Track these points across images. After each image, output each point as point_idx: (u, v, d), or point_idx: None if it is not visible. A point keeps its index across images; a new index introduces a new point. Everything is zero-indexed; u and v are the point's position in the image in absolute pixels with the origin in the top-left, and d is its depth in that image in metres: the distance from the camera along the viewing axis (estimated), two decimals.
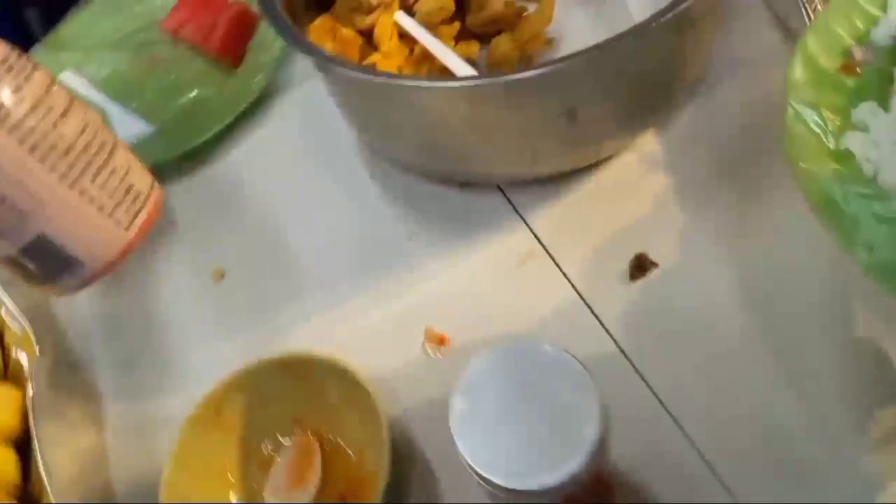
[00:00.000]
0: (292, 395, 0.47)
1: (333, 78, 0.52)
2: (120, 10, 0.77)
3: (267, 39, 0.68)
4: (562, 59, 0.44)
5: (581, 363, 0.34)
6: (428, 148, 0.52)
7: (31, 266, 0.36)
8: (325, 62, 0.47)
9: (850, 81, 0.40)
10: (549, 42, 0.60)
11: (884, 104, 0.38)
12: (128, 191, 0.41)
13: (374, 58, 0.56)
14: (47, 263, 0.33)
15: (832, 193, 0.36)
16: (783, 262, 0.47)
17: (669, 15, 0.43)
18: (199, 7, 0.71)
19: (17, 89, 0.31)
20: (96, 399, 0.54)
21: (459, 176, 0.55)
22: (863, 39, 0.41)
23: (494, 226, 0.54)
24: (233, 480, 0.46)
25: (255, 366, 0.46)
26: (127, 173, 0.40)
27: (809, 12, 0.54)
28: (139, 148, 0.64)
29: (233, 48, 0.69)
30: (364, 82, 0.47)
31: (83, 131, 0.34)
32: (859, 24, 0.41)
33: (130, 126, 0.67)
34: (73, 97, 0.35)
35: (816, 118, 0.39)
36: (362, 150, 0.61)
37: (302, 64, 0.68)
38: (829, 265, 0.46)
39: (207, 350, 0.55)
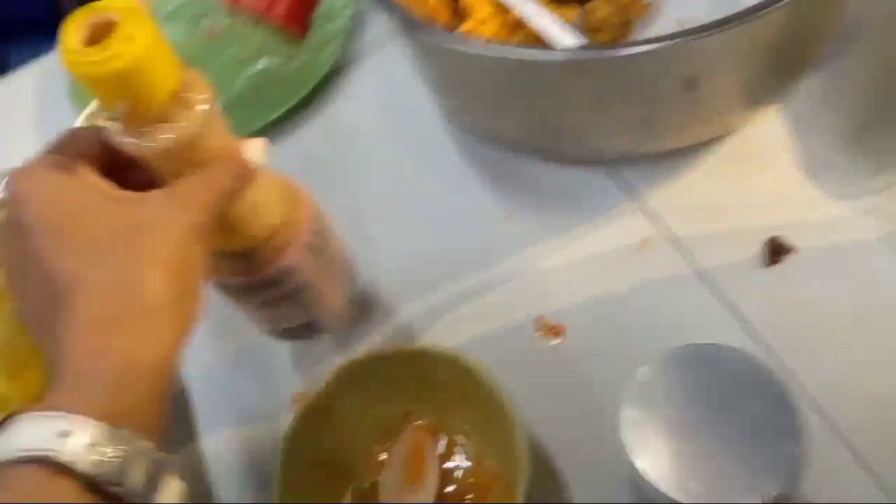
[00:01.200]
0: (404, 389, 0.44)
1: (432, 51, 0.47)
2: None
3: (334, 8, 0.64)
4: (695, 31, 0.39)
5: (769, 368, 0.30)
6: (534, 123, 0.48)
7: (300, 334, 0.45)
8: (433, 35, 0.42)
9: None
10: (648, 6, 0.56)
11: None
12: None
13: (467, 25, 0.51)
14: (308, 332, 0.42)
15: None
16: None
17: None
18: None
19: (322, 228, 0.40)
20: None
21: (565, 153, 0.51)
22: None
23: (604, 206, 0.50)
24: (347, 473, 0.43)
25: (366, 357, 0.43)
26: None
27: None
28: None
29: (298, 18, 0.64)
30: (470, 55, 0.43)
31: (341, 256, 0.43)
32: None
33: None
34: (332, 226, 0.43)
35: None
36: (447, 125, 0.57)
37: (374, 33, 0.63)
38: None
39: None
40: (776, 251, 0.45)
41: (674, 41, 0.40)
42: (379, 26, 0.63)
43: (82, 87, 0.28)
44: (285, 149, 0.60)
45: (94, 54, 0.26)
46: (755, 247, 0.46)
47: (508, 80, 0.45)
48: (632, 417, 0.30)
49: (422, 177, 0.56)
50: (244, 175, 0.33)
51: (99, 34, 0.27)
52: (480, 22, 0.51)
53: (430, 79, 0.52)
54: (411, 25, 0.43)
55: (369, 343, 0.49)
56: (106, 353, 0.27)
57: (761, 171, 0.49)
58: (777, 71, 0.47)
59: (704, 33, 0.40)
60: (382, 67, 0.62)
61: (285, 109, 0.59)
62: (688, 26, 0.54)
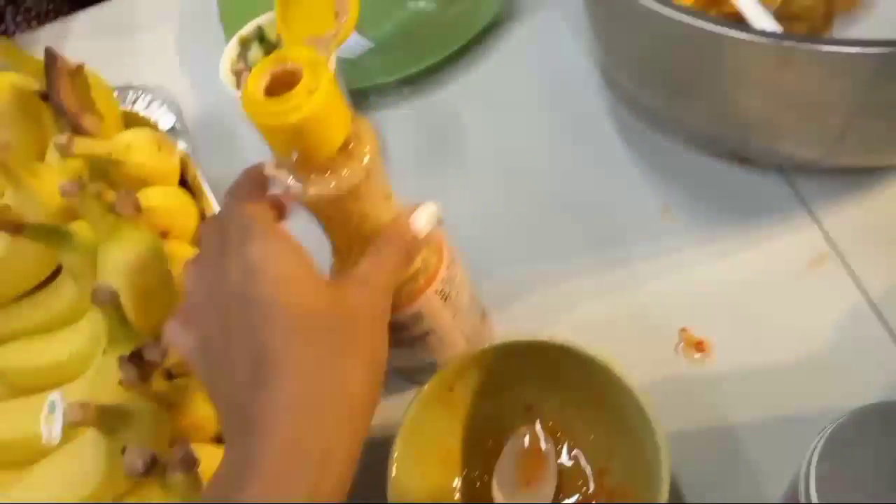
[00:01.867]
0: (529, 382, 0.41)
1: (622, 9, 0.43)
2: None
3: None
4: None
5: None
6: (718, 112, 0.43)
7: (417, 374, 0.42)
8: None
9: None
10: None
11: None
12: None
13: None
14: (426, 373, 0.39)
15: None
16: None
17: None
18: None
19: (454, 275, 0.38)
20: None
21: (743, 151, 0.47)
22: None
23: (775, 215, 0.46)
24: (457, 462, 0.41)
25: (494, 346, 0.40)
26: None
27: None
28: (353, 64, 0.59)
29: None
30: (668, 20, 0.38)
31: (468, 291, 0.41)
32: None
33: None
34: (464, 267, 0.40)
35: None
36: (608, 101, 0.53)
37: None
38: None
39: None
40: None
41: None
42: None
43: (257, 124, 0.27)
44: (434, 101, 0.57)
45: (276, 105, 0.27)
46: None
47: (702, 57, 0.41)
48: (823, 475, 0.27)
49: (573, 154, 0.52)
50: (413, 251, 0.33)
51: (281, 83, 0.28)
52: None
53: (606, 44, 0.48)
54: None
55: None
56: (309, 439, 0.27)
57: None
58: None
59: None
60: (546, 27, 0.58)
61: (436, 59, 0.56)
62: None
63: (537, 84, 0.56)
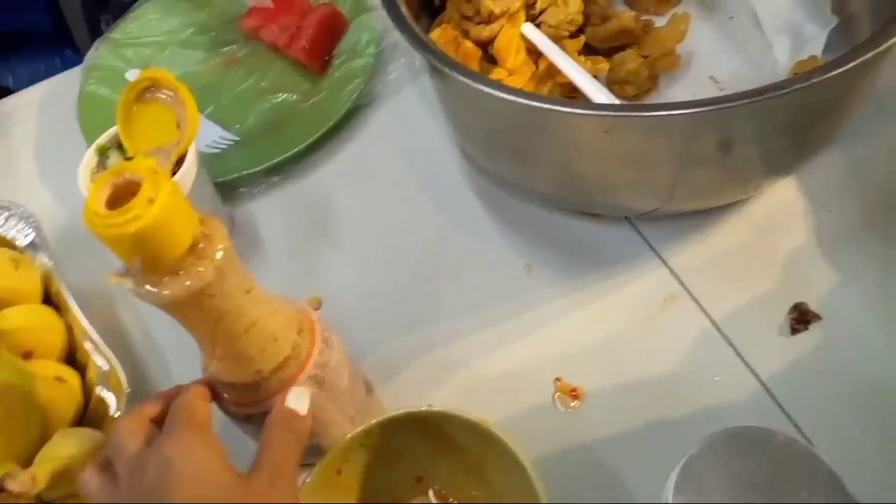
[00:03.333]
0: (415, 453, 0.42)
1: (462, 95, 0.46)
2: (191, 4, 0.71)
3: (359, 45, 0.63)
4: (736, 97, 0.38)
5: (824, 458, 0.29)
6: (560, 176, 0.47)
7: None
8: (467, 79, 0.41)
9: None
10: (678, 59, 0.55)
11: None
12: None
13: (498, 74, 0.51)
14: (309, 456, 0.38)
15: None
16: None
17: (869, 55, 0.37)
18: (283, 7, 0.65)
19: (328, 359, 0.38)
20: None
21: (590, 207, 0.50)
22: None
23: (628, 262, 0.49)
24: None
25: (376, 423, 0.41)
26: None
27: None
28: (219, 158, 0.60)
29: (320, 53, 0.63)
30: (502, 102, 0.42)
31: (348, 371, 0.41)
32: None
33: (208, 132, 0.61)
34: (343, 347, 0.41)
35: None
36: (468, 170, 0.56)
37: (397, 73, 0.62)
38: None
39: None
40: (801, 319, 0.44)
41: (714, 107, 0.39)
42: (402, 66, 0.62)
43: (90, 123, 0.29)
44: (303, 187, 0.59)
45: (116, 217, 0.28)
46: (780, 313, 0.45)
47: (539, 131, 0.44)
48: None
49: (439, 223, 0.54)
50: (300, 429, 0.35)
51: (124, 192, 0.29)
52: (510, 71, 0.51)
53: (455, 123, 0.51)
54: (444, 66, 0.42)
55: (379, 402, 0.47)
56: None
57: (780, 238, 0.48)
58: (803, 140, 0.46)
59: (746, 100, 0.38)
60: (403, 109, 0.61)
61: (302, 147, 0.58)
62: (719, 83, 0.55)
63: (401, 162, 0.58)
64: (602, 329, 0.47)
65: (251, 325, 0.34)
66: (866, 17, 0.51)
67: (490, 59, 0.54)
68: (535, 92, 0.49)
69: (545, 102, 0.39)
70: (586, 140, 0.42)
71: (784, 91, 0.38)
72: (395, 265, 0.53)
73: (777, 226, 0.49)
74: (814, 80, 0.37)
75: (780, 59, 0.54)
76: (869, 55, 0.37)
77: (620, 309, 0.48)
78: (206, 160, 0.55)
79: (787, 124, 0.43)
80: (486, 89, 0.39)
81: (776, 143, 0.45)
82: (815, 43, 0.54)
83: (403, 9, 0.46)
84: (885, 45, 0.38)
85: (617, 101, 0.50)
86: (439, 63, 0.41)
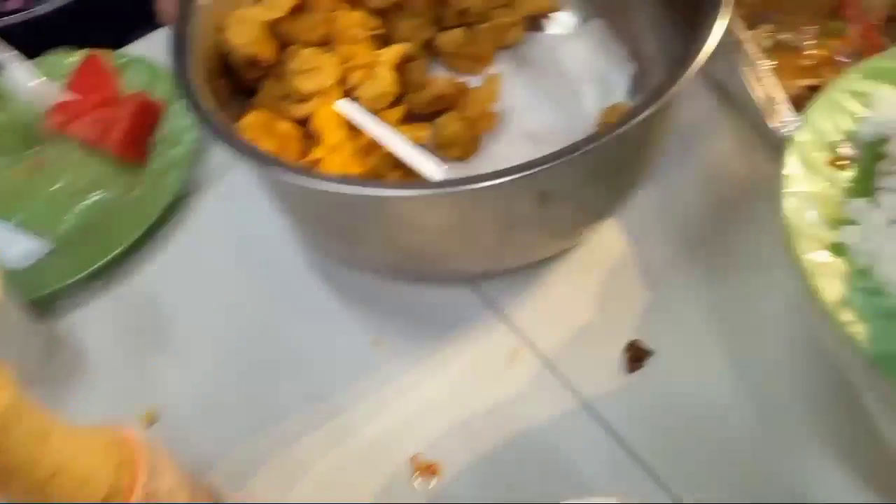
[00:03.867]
0: None
1: (280, 185, 0.45)
2: None
3: (174, 132, 0.61)
4: (552, 157, 0.39)
5: None
6: (392, 251, 0.47)
7: None
8: (278, 171, 0.40)
9: (840, 175, 0.40)
10: (496, 118, 0.57)
11: (873, 199, 0.39)
12: None
13: (319, 152, 0.50)
14: None
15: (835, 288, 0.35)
16: (767, 334, 0.46)
17: (656, 105, 0.40)
18: (91, 100, 0.62)
19: (156, 488, 0.36)
20: None
21: (427, 276, 0.50)
22: (850, 136, 0.41)
23: (470, 324, 0.49)
24: None
25: None
26: None
27: (749, 77, 0.53)
28: (31, 272, 0.55)
29: (135, 144, 0.60)
30: (327, 192, 0.41)
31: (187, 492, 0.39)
32: (845, 122, 0.42)
33: (16, 246, 0.56)
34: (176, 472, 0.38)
35: (812, 211, 0.39)
36: (306, 250, 0.55)
37: (222, 156, 0.60)
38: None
39: None
40: (635, 356, 0.46)
41: (533, 170, 0.39)
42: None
43: None
44: (129, 290, 0.55)
45: None
46: (615, 352, 0.46)
47: (361, 212, 0.44)
48: None
49: (279, 309, 0.52)
50: None
51: None
52: (331, 149, 0.50)
53: (279, 208, 0.50)
54: (254, 160, 0.41)
55: None
56: None
57: (610, 279, 0.50)
58: (618, 184, 0.48)
59: (563, 158, 0.39)
60: (231, 193, 0.59)
61: (125, 246, 0.55)
62: (536, 138, 0.57)
63: (233, 249, 0.56)
64: (453, 396, 0.47)
65: (53, 475, 0.30)
66: (659, 60, 0.55)
67: (312, 136, 0.53)
68: (347, 175, 0.48)
69: (357, 185, 0.38)
70: (406, 216, 0.42)
71: (594, 144, 0.39)
72: (236, 362, 0.50)
73: (605, 267, 0.51)
74: (617, 132, 0.39)
75: (589, 107, 0.57)
76: (665, 98, 0.40)
77: (469, 372, 0.47)
78: (14, 278, 0.50)
79: (602, 172, 0.46)
80: (293, 179, 0.39)
81: (594, 191, 0.47)
82: (619, 89, 0.57)
83: (204, 98, 0.45)
84: (676, 88, 0.40)
85: (442, 166, 0.51)
86: (244, 156, 0.40)
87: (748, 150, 0.54)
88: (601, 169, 0.45)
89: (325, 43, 0.54)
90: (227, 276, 0.54)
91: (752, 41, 0.58)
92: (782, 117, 0.49)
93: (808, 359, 0.45)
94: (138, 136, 0.61)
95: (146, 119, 0.61)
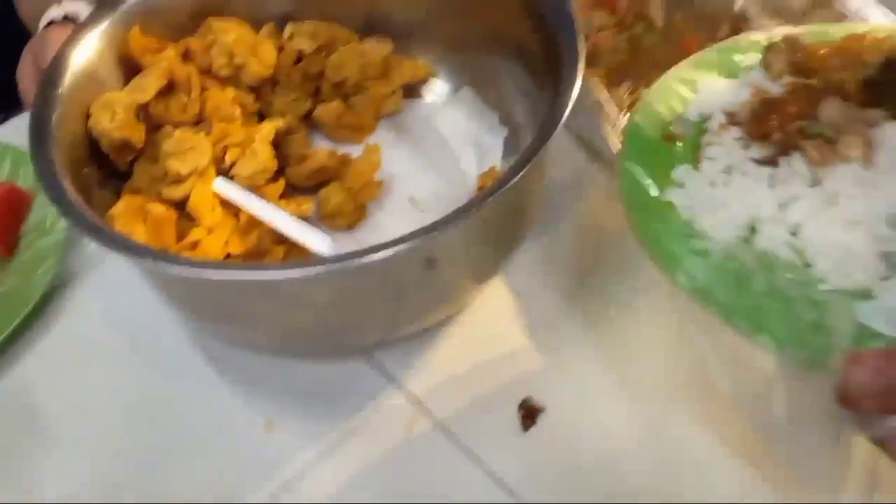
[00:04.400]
0: None
1: (158, 275, 0.44)
2: None
3: (46, 220, 0.58)
4: (439, 224, 0.40)
5: None
6: (281, 330, 0.46)
7: None
8: (151, 262, 0.39)
9: (670, 148, 0.47)
10: (380, 187, 0.58)
11: (696, 166, 0.46)
12: None
13: (197, 234, 0.49)
14: None
15: (659, 234, 0.42)
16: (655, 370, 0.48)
17: (524, 170, 0.42)
18: None
19: None
20: None
21: (317, 351, 0.50)
22: (679, 117, 0.49)
23: (366, 396, 0.49)
24: None
25: None
26: None
27: (609, 137, 0.56)
28: None
29: (3, 236, 0.57)
30: (202, 281, 0.40)
31: None
32: (676, 104, 0.49)
33: None
34: None
35: (645, 177, 0.45)
36: (193, 332, 0.53)
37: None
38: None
39: None
40: (528, 414, 0.46)
41: (418, 239, 0.40)
42: None
43: None
44: (1, 391, 0.51)
45: None
46: (510, 412, 0.47)
47: (239, 296, 0.43)
48: None
49: (166, 397, 0.50)
50: None
51: None
52: (209, 230, 0.49)
53: (161, 294, 0.48)
54: (120, 250, 0.39)
55: None
56: None
57: (498, 338, 0.51)
58: (501, 243, 0.50)
59: (448, 225, 0.40)
60: (109, 280, 0.57)
61: None
62: (419, 204, 0.58)
63: (115, 337, 0.54)
64: (355, 475, 0.46)
65: None
66: (529, 124, 0.57)
67: (190, 217, 0.52)
68: (217, 260, 0.47)
69: (229, 270, 0.38)
70: (287, 295, 0.41)
71: (472, 212, 0.41)
72: (123, 454, 0.48)
73: (494, 326, 0.52)
74: (490, 200, 0.41)
75: (469, 172, 0.58)
76: (531, 163, 0.42)
77: (368, 447, 0.47)
78: None
79: (484, 235, 0.47)
80: (163, 268, 0.38)
81: (478, 253, 0.48)
82: (495, 152, 0.59)
83: (69, 187, 0.43)
84: (540, 155, 0.43)
85: (327, 239, 0.51)
86: (109, 247, 0.39)
87: (616, 202, 0.57)
88: (483, 232, 0.46)
89: (198, 122, 0.54)
90: (109, 365, 0.52)
91: (611, 100, 0.62)
92: None
93: (701, 384, 0.46)
94: (6, 227, 0.58)
95: (13, 209, 0.58)
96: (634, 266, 0.53)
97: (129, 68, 0.53)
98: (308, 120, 0.61)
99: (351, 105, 0.60)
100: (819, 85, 0.46)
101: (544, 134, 0.44)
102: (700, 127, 0.48)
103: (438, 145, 0.61)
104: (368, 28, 0.62)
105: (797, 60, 0.49)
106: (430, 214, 0.57)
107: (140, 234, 0.47)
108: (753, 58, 0.51)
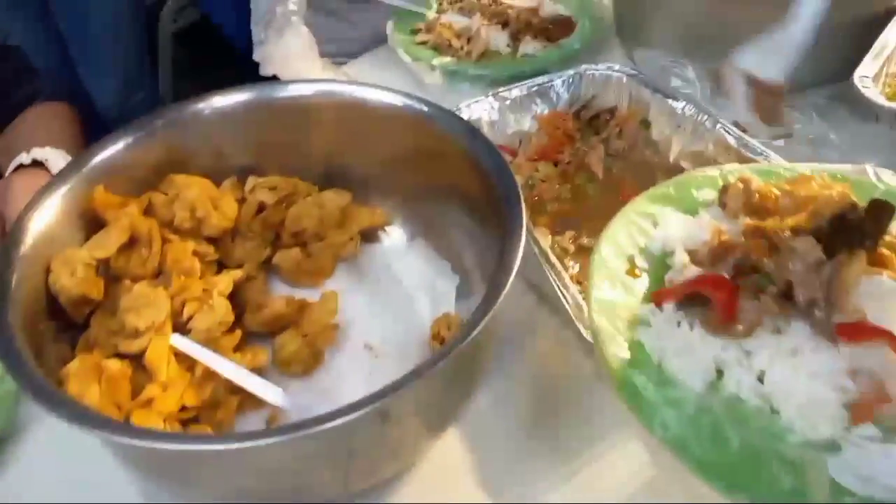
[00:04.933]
0: None
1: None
2: None
3: None
4: (391, 389, 0.41)
5: None
6: (231, 493, 0.46)
7: None
8: (95, 428, 0.39)
9: (635, 283, 0.48)
10: (335, 331, 0.59)
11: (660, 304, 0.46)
12: None
13: (151, 391, 0.49)
14: None
15: (633, 381, 0.43)
16: None
17: (481, 325, 0.44)
18: None
19: None
20: None
21: None
22: (642, 250, 0.50)
23: None
24: None
25: None
26: None
27: (560, 282, 0.59)
28: None
29: None
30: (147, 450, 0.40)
31: None
32: (639, 238, 0.51)
33: None
34: None
35: (614, 316, 0.46)
36: (142, 491, 0.52)
37: None
38: None
39: None
40: None
41: (371, 406, 0.41)
42: None
43: None
44: None
45: None
46: None
47: (193, 462, 0.43)
48: None
49: None
50: None
51: None
52: (164, 386, 0.50)
53: (112, 454, 0.48)
54: (66, 417, 0.40)
55: None
56: None
57: (456, 491, 0.51)
58: (454, 395, 0.51)
59: (403, 387, 0.41)
60: (59, 434, 0.56)
61: None
62: (375, 349, 0.59)
63: (65, 491, 0.52)
64: None
65: None
66: (479, 272, 0.60)
67: (146, 370, 0.53)
68: (165, 432, 0.48)
69: (168, 443, 0.39)
70: (237, 463, 0.42)
71: (429, 370, 0.42)
72: None
73: (450, 480, 0.52)
74: (440, 365, 0.43)
75: (423, 317, 0.60)
76: (487, 318, 0.44)
77: None
78: None
79: (438, 390, 0.48)
80: (107, 437, 0.38)
81: (432, 407, 0.49)
82: (448, 298, 0.61)
83: (21, 345, 0.44)
84: (492, 313, 0.45)
85: (279, 391, 0.52)
86: (56, 413, 0.39)
87: (564, 345, 0.59)
88: (438, 387, 0.48)
89: (158, 275, 0.55)
90: None
91: (556, 247, 0.65)
92: (585, 317, 0.55)
93: None
94: None
95: None
96: (592, 413, 0.54)
97: (92, 223, 0.55)
98: (268, 264, 0.63)
99: (310, 252, 0.63)
100: (773, 228, 0.48)
101: (496, 291, 0.46)
102: (662, 261, 0.50)
103: (394, 290, 0.63)
104: (328, 179, 0.65)
105: (751, 203, 0.51)
106: (384, 360, 0.58)
107: (94, 393, 0.47)
108: (709, 193, 0.53)
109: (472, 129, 0.58)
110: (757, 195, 0.51)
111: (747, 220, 0.50)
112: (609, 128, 0.77)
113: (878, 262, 0.46)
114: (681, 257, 0.49)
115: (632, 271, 0.49)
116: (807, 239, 0.45)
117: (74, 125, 0.80)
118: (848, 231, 0.45)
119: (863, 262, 0.44)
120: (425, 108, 0.59)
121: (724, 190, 0.52)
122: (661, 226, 0.52)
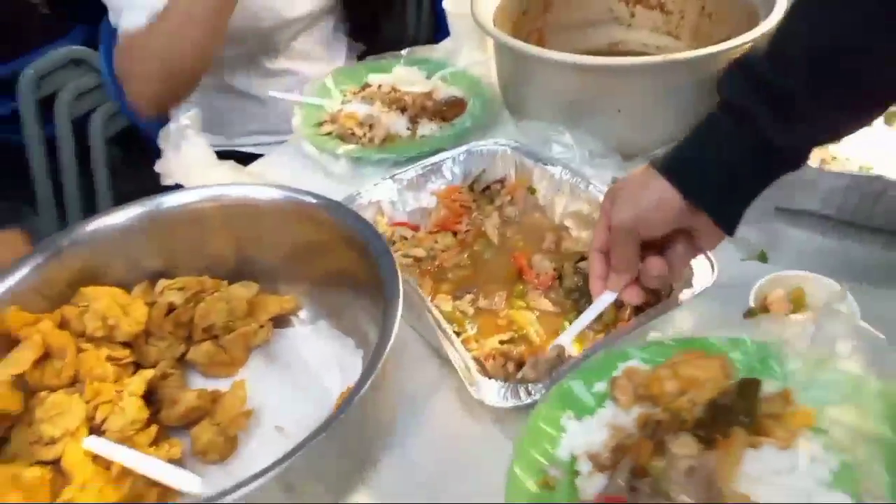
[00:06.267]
0: None
1: None
2: None
3: None
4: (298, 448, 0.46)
5: None
6: None
7: None
8: None
9: (552, 495, 0.49)
10: (249, 414, 0.63)
11: None
12: None
13: (69, 493, 0.52)
14: None
15: None
16: None
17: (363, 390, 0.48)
18: None
19: None
20: None
21: None
22: (552, 458, 0.51)
23: None
24: None
25: None
26: None
27: (449, 347, 0.64)
28: None
29: None
30: None
31: None
32: (548, 446, 0.51)
33: None
34: None
35: None
36: None
37: None
38: None
39: None
40: None
41: (282, 465, 0.46)
42: None
43: None
44: None
45: None
46: None
47: None
48: None
49: None
50: None
51: None
52: (81, 487, 0.53)
53: None
54: None
55: None
56: None
57: None
58: (356, 459, 0.55)
59: (297, 455, 0.47)
60: None
61: None
62: (286, 431, 0.63)
63: None
64: None
65: None
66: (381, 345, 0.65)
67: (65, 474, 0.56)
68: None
69: None
70: None
71: (320, 436, 0.47)
72: None
73: None
74: (332, 425, 0.47)
75: (332, 393, 0.64)
76: (369, 381, 0.50)
77: None
78: None
79: (337, 453, 0.52)
80: None
81: (335, 471, 0.53)
82: (354, 373, 0.66)
83: None
84: (375, 373, 0.49)
85: (196, 479, 0.55)
86: None
87: (467, 407, 0.63)
88: (336, 450, 0.52)
89: (74, 383, 0.59)
90: None
91: (456, 311, 0.70)
92: (475, 380, 0.59)
93: None
94: None
95: None
96: (493, 471, 0.58)
97: (6, 341, 0.58)
98: (183, 360, 0.67)
99: (222, 344, 0.67)
100: (663, 416, 0.50)
101: (375, 360, 0.51)
102: (572, 468, 0.50)
103: (304, 371, 0.67)
104: (237, 273, 0.70)
105: (640, 392, 0.53)
106: (296, 440, 0.62)
107: (15, 499, 0.51)
108: (603, 385, 0.54)
109: (355, 216, 0.64)
110: (642, 387, 0.53)
111: (640, 412, 0.52)
112: (501, 196, 0.84)
113: (760, 432, 0.48)
114: (586, 466, 0.50)
115: (545, 483, 0.50)
116: (685, 440, 0.48)
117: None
118: (724, 414, 0.48)
119: (743, 440, 0.47)
120: (312, 200, 0.65)
121: (612, 383, 0.54)
122: (565, 432, 0.52)
